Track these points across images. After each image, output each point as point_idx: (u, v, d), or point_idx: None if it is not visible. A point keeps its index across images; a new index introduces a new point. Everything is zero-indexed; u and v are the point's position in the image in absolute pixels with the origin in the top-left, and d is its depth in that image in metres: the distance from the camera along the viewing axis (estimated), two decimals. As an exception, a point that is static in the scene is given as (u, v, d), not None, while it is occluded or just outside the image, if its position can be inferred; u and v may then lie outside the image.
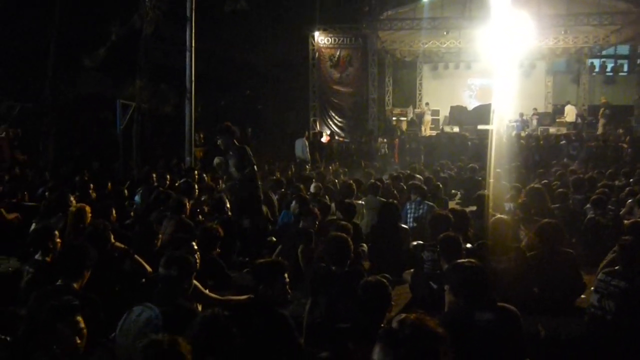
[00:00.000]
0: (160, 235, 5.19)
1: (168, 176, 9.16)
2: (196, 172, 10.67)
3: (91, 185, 7.90)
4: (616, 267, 4.26)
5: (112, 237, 4.61)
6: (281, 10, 21.35)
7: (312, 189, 8.74)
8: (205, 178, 10.40)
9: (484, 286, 2.99)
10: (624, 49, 24.32)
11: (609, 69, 24.75)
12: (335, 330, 3.54)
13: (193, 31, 13.37)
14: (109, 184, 8.73)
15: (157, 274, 3.88)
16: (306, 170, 12.97)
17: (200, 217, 7.17)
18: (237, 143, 6.85)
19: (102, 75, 16.53)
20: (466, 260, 3.13)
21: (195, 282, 3.93)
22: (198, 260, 4.47)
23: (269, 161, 15.78)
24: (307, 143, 16.65)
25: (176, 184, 8.79)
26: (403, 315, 2.08)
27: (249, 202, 6.75)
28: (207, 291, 4.11)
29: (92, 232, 4.54)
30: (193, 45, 13.40)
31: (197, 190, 8.08)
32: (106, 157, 14.49)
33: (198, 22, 13.72)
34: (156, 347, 2.23)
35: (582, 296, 4.94)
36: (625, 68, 24.73)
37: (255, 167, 6.80)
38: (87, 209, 5.58)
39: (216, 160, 7.09)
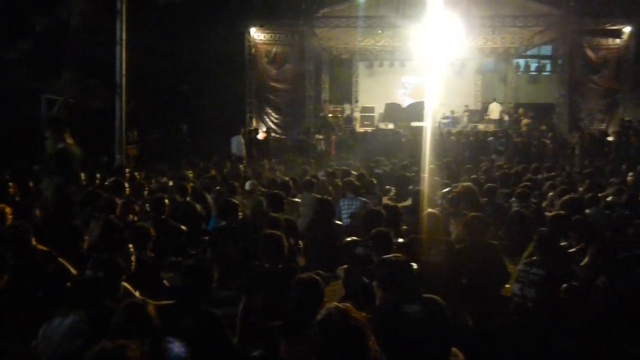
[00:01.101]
0: (86, 237, 4.99)
1: (98, 175, 8.83)
2: (127, 170, 10.32)
3: (11, 185, 7.49)
4: (534, 257, 4.48)
5: (33, 239, 4.38)
6: (218, 4, 21.01)
7: (247, 186, 8.67)
8: (137, 176, 10.10)
9: (410, 280, 3.07)
10: (547, 50, 25.61)
11: (533, 69, 25.99)
12: (268, 328, 3.53)
13: (124, 23, 12.93)
14: (31, 183, 8.30)
15: (83, 276, 3.73)
16: (242, 168, 12.83)
17: (131, 216, 6.96)
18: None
19: (26, 68, 15.69)
20: (392, 255, 3.20)
21: (125, 284, 3.82)
22: (133, 263, 4.36)
23: (205, 158, 15.54)
24: (243, 140, 16.52)
25: (106, 183, 8.49)
26: (330, 305, 2.14)
27: None
28: (137, 293, 4.00)
29: (11, 234, 4.30)
30: (124, 38, 12.95)
31: (128, 189, 7.86)
32: (30, 155, 13.78)
33: (130, 14, 13.28)
34: (103, 353, 2.11)
35: (507, 285, 5.16)
36: (548, 68, 26.04)
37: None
38: (8, 209, 5.29)
39: None
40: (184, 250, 6.58)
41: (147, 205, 7.51)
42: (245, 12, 19.70)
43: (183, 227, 6.50)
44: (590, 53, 19.13)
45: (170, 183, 9.90)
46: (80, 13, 14.08)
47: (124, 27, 12.92)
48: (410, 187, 10.03)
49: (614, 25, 18.77)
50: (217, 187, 8.77)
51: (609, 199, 7.93)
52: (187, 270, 3.42)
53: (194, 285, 3.32)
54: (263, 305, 4.01)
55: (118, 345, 2.14)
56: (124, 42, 12.97)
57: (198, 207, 7.61)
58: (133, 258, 4.39)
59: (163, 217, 6.46)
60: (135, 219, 6.73)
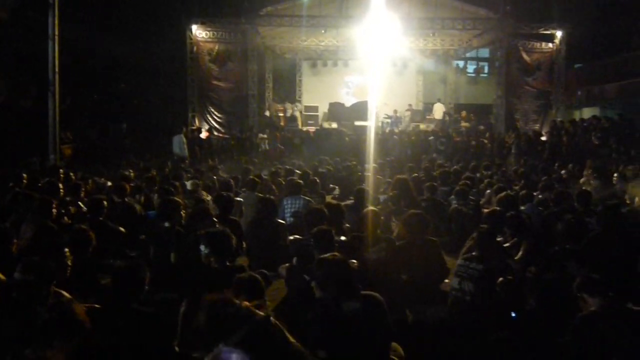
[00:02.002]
0: (15, 240, 4.74)
1: (25, 175, 8.42)
2: (62, 170, 9.89)
3: None
4: (473, 253, 4.62)
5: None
6: (159, 1, 20.54)
7: (189, 185, 8.51)
8: (73, 177, 9.69)
9: (348, 278, 3.09)
10: (484, 52, 26.53)
11: (471, 71, 26.87)
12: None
13: (57, 17, 12.37)
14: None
15: (11, 280, 3.56)
16: (184, 167, 12.58)
17: (66, 219, 6.68)
18: None
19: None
20: (330, 254, 3.22)
21: (56, 289, 3.66)
22: (69, 266, 4.19)
23: (145, 158, 15.16)
24: (185, 139, 16.20)
25: (39, 184, 8.11)
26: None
27: None
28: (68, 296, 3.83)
29: None
30: (56, 33, 12.40)
31: (62, 191, 7.54)
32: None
33: (63, 8, 12.72)
34: None
35: (446, 281, 5.29)
36: (486, 70, 26.99)
37: None
38: None
39: None
40: (123, 252, 6.38)
41: (83, 207, 7.23)
42: (187, 9, 19.33)
43: (121, 229, 6.30)
44: (525, 56, 19.92)
45: (109, 183, 9.58)
46: (10, 6, 13.38)
47: (56, 22, 12.35)
48: (354, 185, 10.09)
49: (547, 29, 19.64)
50: (155, 187, 8.53)
51: (541, 196, 8.29)
52: (117, 272, 3.32)
53: (125, 287, 3.22)
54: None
55: None
56: (56, 38, 12.40)
57: (137, 207, 7.40)
58: (69, 262, 4.22)
59: (100, 218, 6.24)
60: (70, 221, 6.47)
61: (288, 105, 23.21)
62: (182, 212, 6.10)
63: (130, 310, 3.15)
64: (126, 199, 7.40)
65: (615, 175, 10.08)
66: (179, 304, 4.23)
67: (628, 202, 7.99)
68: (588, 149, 14.98)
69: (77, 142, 17.55)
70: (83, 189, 8.33)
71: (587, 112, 21.95)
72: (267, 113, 22.58)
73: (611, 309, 3.47)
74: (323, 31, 20.04)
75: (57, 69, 12.50)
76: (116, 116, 21.34)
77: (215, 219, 5.70)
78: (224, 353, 2.48)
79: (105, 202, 6.46)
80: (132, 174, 10.06)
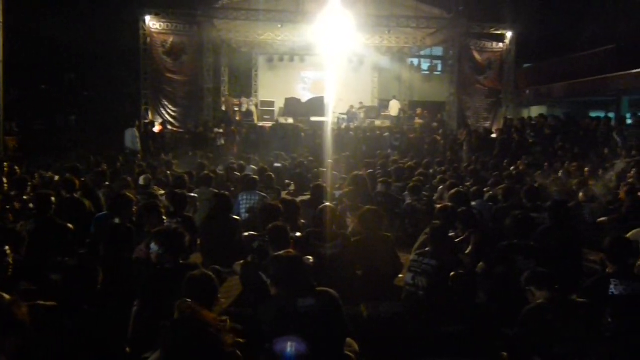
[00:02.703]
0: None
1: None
2: (6, 164, 9.50)
3: None
4: (427, 248, 4.70)
5: None
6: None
7: (141, 181, 8.33)
8: (18, 170, 9.33)
9: (302, 274, 3.09)
10: (438, 51, 27.04)
11: (425, 68, 27.33)
12: (160, 328, 3.40)
13: (0, 4, 11.85)
14: None
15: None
16: (136, 162, 12.29)
17: (10, 216, 6.42)
18: None
19: None
20: (284, 251, 3.22)
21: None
22: (10, 264, 4.02)
23: (96, 152, 14.71)
24: (137, 133, 15.82)
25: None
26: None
27: None
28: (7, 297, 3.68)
29: None
30: (1, 20, 11.88)
31: (6, 185, 7.25)
32: None
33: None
34: None
35: (400, 276, 5.37)
36: (440, 68, 27.51)
37: None
38: None
39: None
40: (72, 250, 6.18)
41: (29, 202, 6.97)
42: (140, -1, 18.83)
43: (70, 226, 6.10)
44: (476, 55, 20.41)
45: (57, 178, 9.25)
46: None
47: (0, 8, 11.83)
48: (310, 181, 10.12)
49: (497, 30, 20.18)
50: (107, 182, 8.30)
51: (492, 192, 8.52)
52: (69, 271, 3.22)
53: (76, 286, 3.13)
54: (158, 306, 3.86)
55: None
56: (0, 25, 11.88)
57: (87, 203, 7.18)
58: (10, 260, 4.05)
59: (48, 215, 6.02)
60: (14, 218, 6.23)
61: (244, 100, 23.00)
62: (133, 209, 5.96)
63: (80, 310, 3.06)
64: (75, 194, 7.17)
65: (560, 171, 10.48)
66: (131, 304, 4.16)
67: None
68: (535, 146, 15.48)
69: (23, 134, 16.89)
70: (29, 184, 8.04)
71: (535, 111, 22.69)
72: (223, 107, 22.32)
73: (557, 301, 3.61)
74: (280, 26, 19.92)
75: (1, 58, 11.98)
76: (65, 108, 20.64)
77: (164, 216, 5.59)
78: (279, 343, 2.50)
79: (53, 198, 6.24)
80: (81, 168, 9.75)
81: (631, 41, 16.91)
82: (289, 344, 2.55)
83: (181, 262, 4.17)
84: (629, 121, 14.65)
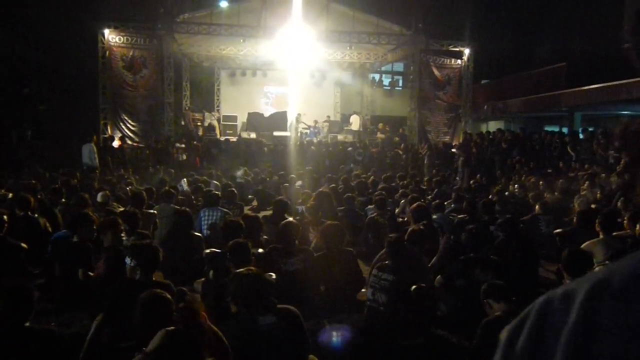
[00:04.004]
0: None
1: None
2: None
3: None
4: (386, 262, 4.74)
5: None
6: (67, 3, 19.54)
7: (99, 198, 8.14)
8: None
9: (262, 292, 3.08)
10: (399, 66, 27.55)
11: (387, 84, 27.78)
12: (119, 349, 3.33)
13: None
14: None
15: None
16: (94, 178, 12.00)
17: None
18: None
19: None
20: (245, 269, 3.20)
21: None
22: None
23: (52, 168, 14.30)
24: (95, 148, 15.44)
25: None
26: None
27: None
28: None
29: None
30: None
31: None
32: None
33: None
34: None
35: (363, 290, 5.39)
36: (401, 83, 28.02)
37: None
38: None
39: None
40: (25, 270, 5.98)
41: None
42: (98, 11, 18.51)
43: (23, 245, 5.90)
44: (435, 71, 20.84)
45: (10, 195, 8.94)
46: None
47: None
48: (272, 196, 10.09)
49: (455, 47, 20.70)
50: (63, 200, 8.08)
51: (454, 205, 8.69)
52: (5, 291, 3.10)
53: (14, 307, 3.02)
54: (123, 318, 3.77)
55: None
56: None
57: (42, 221, 6.97)
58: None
59: (0, 234, 5.81)
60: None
61: (206, 115, 22.83)
62: (93, 226, 5.82)
63: (23, 329, 2.96)
64: (29, 213, 6.95)
65: (516, 185, 10.76)
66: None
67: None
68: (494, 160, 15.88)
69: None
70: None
71: (493, 125, 23.30)
72: (184, 122, 22.09)
73: (514, 313, 3.68)
74: (242, 41, 19.92)
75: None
76: (20, 122, 20.03)
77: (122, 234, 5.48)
78: (325, 332, 2.47)
79: (5, 217, 6.03)
80: (36, 185, 9.46)
81: (581, 59, 17.62)
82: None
83: (154, 280, 4.11)
84: (581, 136, 15.18)
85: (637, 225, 5.58)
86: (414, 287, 4.54)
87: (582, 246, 5.30)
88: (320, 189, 8.80)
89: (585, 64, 16.92)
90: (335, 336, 2.80)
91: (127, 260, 4.17)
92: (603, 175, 10.83)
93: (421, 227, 5.76)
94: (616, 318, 0.60)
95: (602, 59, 16.21)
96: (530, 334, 0.68)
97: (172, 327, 2.39)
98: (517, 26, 23.62)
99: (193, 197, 9.34)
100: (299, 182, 12.14)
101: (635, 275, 0.62)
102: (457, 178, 14.44)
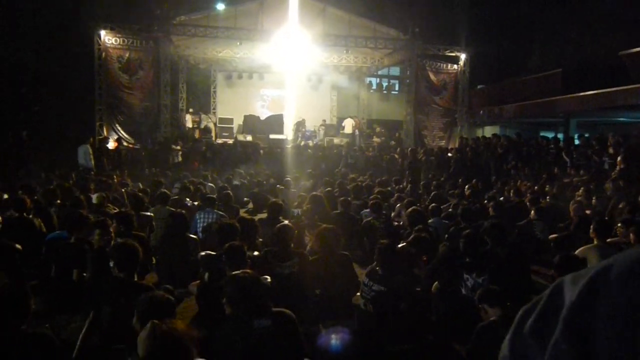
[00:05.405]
0: None
1: None
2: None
3: None
4: (377, 268, 4.73)
5: None
6: (63, 3, 19.48)
7: (94, 199, 8.12)
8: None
9: (257, 295, 3.08)
10: (395, 71, 27.59)
11: (383, 88, 27.81)
12: (112, 350, 3.32)
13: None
14: None
15: None
16: (89, 179, 11.96)
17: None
18: None
19: None
20: (240, 271, 3.19)
21: None
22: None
23: (47, 169, 14.25)
24: (90, 150, 15.39)
25: None
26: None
27: None
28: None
29: None
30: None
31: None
32: None
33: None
34: None
35: (358, 294, 5.39)
36: (397, 87, 28.05)
37: None
38: None
39: None
40: (20, 271, 5.95)
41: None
42: (94, 13, 18.48)
43: (18, 246, 5.88)
44: (432, 76, 20.93)
45: (5, 196, 8.91)
46: None
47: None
48: (268, 199, 10.08)
49: (452, 52, 20.78)
50: (59, 201, 8.05)
51: (451, 210, 8.71)
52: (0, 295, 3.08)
53: (9, 310, 3.00)
54: (111, 322, 3.77)
55: None
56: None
57: (37, 222, 6.94)
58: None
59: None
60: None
61: (203, 117, 22.82)
62: (88, 228, 5.80)
63: (19, 332, 2.95)
64: (25, 214, 6.92)
65: (512, 191, 10.78)
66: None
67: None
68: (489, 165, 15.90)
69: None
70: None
71: (488, 131, 23.35)
72: (180, 124, 22.06)
73: (509, 318, 3.69)
74: (239, 43, 19.95)
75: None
76: (16, 123, 19.95)
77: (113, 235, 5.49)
78: (323, 335, 2.47)
79: (-1, 218, 6.02)
80: (34, 186, 9.42)
81: (577, 65, 17.71)
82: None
83: (136, 280, 4.10)
84: (577, 142, 15.23)
85: (631, 233, 5.60)
86: (408, 292, 4.56)
87: (577, 252, 5.33)
88: (313, 193, 8.80)
89: (581, 70, 17.00)
90: (335, 339, 2.81)
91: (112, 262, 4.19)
92: (597, 181, 10.86)
93: (423, 234, 5.78)
94: (615, 298, 0.62)
95: (598, 65, 16.31)
96: (538, 314, 0.72)
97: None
98: (513, 31, 23.72)
99: (188, 199, 9.30)
100: (296, 185, 12.14)
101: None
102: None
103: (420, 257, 5.27)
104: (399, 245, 5.29)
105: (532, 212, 8.07)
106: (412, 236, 5.54)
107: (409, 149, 18.98)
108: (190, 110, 22.81)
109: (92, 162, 15.24)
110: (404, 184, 13.35)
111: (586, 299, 0.65)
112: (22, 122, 20.13)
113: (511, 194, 10.55)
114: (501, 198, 10.55)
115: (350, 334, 2.83)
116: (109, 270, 4.48)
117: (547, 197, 10.05)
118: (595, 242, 5.60)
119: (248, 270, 3.22)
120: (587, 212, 8.18)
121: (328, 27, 19.22)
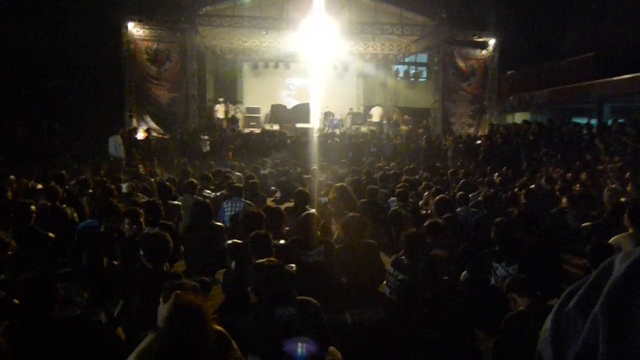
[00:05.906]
0: None
1: None
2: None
3: None
4: (402, 257, 4.68)
5: None
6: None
7: (124, 188, 8.25)
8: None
9: (282, 283, 3.07)
10: (423, 58, 27.20)
11: (410, 75, 27.49)
12: (141, 338, 3.36)
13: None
14: None
15: None
16: (120, 169, 12.17)
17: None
18: None
19: None
20: (265, 260, 3.19)
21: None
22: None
23: (79, 159, 14.56)
24: (121, 140, 15.66)
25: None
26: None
27: None
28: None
29: None
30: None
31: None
32: None
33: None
34: None
35: (384, 282, 5.36)
36: (425, 74, 27.68)
37: None
38: None
39: None
40: (53, 259, 6.10)
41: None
42: (122, 5, 18.69)
43: (51, 234, 6.02)
44: (460, 62, 20.56)
45: (39, 186, 9.13)
46: None
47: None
48: (295, 188, 10.09)
49: (480, 37, 20.36)
50: (90, 190, 8.21)
51: (480, 198, 8.56)
52: (26, 283, 3.13)
53: (36, 298, 3.06)
54: (141, 310, 3.83)
55: None
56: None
57: (69, 211, 7.10)
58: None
59: (28, 224, 5.93)
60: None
61: (229, 107, 22.94)
62: (119, 216, 5.90)
63: (49, 318, 3.01)
64: (57, 203, 7.08)
65: (544, 178, 10.56)
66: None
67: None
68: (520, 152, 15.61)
69: (4, 141, 16.66)
70: (9, 190, 7.93)
71: (518, 117, 22.90)
72: (208, 114, 22.23)
73: (538, 307, 3.62)
74: (264, 33, 19.92)
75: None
76: (48, 114, 20.38)
77: (143, 224, 5.57)
78: (289, 344, 2.52)
79: (33, 207, 6.15)
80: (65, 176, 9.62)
81: (610, 49, 17.17)
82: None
83: (164, 269, 4.15)
84: (611, 127, 14.82)
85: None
86: (437, 280, 4.50)
87: (610, 240, 5.17)
88: (338, 184, 8.74)
89: (614, 54, 16.48)
90: (300, 348, 2.79)
91: (141, 252, 4.25)
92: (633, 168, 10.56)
93: (438, 220, 5.70)
94: None
95: (632, 48, 15.78)
96: (585, 290, 0.73)
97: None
98: (544, 15, 23.11)
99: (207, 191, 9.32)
100: (323, 174, 12.12)
101: None
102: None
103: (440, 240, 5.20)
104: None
105: (564, 199, 7.88)
106: (427, 222, 5.46)
107: (424, 137, 18.82)
108: (220, 99, 22.90)
109: (123, 152, 15.50)
110: (421, 172, 13.15)
111: (630, 275, 0.65)
112: (55, 114, 20.55)
113: (542, 182, 10.32)
114: (532, 186, 10.34)
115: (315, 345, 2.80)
116: (138, 259, 4.54)
117: (579, 185, 9.81)
118: (630, 230, 5.43)
119: (273, 259, 3.22)
120: (622, 199, 7.95)
121: (354, 14, 19.04)
